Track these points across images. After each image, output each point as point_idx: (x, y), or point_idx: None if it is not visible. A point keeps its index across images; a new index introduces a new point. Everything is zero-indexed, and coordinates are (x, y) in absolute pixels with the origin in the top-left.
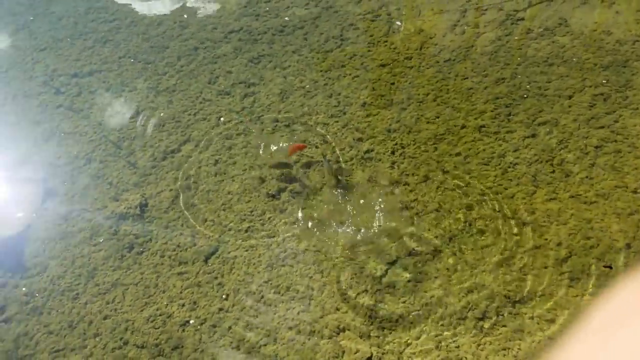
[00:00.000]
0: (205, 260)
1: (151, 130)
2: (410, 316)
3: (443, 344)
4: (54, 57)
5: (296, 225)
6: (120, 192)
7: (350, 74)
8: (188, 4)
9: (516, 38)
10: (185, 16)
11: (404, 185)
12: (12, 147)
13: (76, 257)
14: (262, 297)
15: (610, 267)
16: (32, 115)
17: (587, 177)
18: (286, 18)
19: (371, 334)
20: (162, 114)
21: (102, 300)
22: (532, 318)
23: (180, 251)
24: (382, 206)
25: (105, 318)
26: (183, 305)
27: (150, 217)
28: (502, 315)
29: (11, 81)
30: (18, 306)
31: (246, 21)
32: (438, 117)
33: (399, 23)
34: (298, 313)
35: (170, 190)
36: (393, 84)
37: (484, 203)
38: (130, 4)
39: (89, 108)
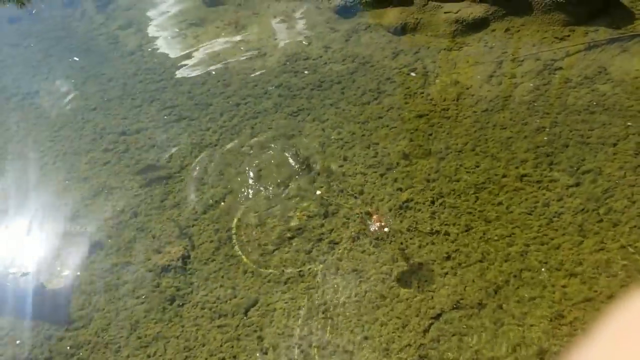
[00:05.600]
0: (245, 313)
1: (193, 183)
2: None
3: None
4: (103, 116)
5: (335, 276)
6: (164, 245)
7: (387, 125)
8: (230, 65)
9: (555, 87)
10: (228, 75)
11: (444, 235)
12: (61, 203)
13: (120, 310)
14: (303, 351)
15: None
16: (80, 172)
17: (636, 226)
18: (324, 74)
19: None
20: (205, 168)
21: (144, 354)
22: None
23: (221, 303)
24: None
25: None
26: (223, 359)
27: (192, 269)
28: None
29: (62, 140)
30: (63, 359)
31: (285, 78)
32: (478, 167)
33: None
34: None
35: (211, 242)
36: (431, 134)
37: (529, 254)
38: (177, 65)
39: (136, 164)
